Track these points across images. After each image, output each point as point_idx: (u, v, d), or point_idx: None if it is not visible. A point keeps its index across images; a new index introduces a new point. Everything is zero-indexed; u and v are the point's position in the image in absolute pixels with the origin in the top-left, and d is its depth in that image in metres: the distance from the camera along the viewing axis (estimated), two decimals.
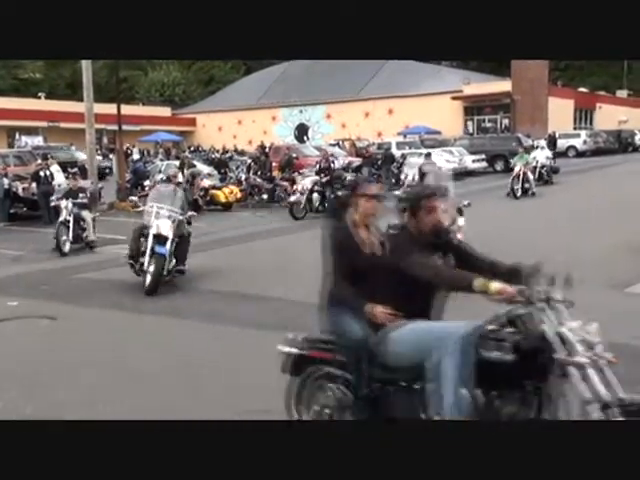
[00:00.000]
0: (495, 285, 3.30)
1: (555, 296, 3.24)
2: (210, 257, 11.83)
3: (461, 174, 28.32)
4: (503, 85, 45.02)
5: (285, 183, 20.93)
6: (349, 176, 20.96)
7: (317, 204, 18.11)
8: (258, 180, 21.81)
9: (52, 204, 14.80)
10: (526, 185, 19.83)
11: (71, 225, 13.18)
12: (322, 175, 18.92)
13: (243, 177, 22.48)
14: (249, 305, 8.28)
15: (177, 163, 25.36)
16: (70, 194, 13.72)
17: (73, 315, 8.15)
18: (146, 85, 64.42)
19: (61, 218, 13.32)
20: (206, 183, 20.28)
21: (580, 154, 37.12)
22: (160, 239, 9.11)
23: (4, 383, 5.79)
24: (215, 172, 24.36)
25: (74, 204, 13.45)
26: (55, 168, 20.14)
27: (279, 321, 6.97)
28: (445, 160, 29.13)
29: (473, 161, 29.16)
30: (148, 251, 9.06)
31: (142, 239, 9.41)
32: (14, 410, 5.16)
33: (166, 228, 9.23)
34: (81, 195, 13.71)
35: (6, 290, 9.74)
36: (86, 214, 13.58)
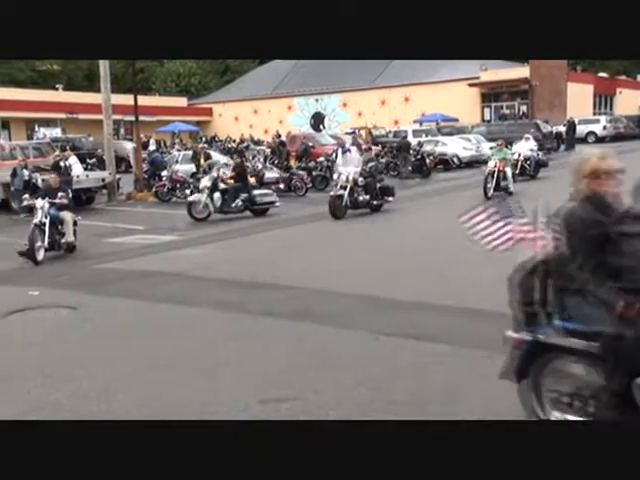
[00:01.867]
0: None
1: None
2: (230, 246, 12.12)
3: (478, 162, 28.25)
4: (521, 71, 44.51)
5: (302, 172, 21.06)
6: (268, 172, 20.08)
7: (219, 203, 15.28)
8: (275, 170, 21.90)
9: (24, 203, 12.30)
10: (503, 183, 17.17)
11: (47, 229, 11.34)
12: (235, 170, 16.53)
13: (260, 167, 22.53)
14: (265, 294, 8.35)
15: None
16: (48, 192, 11.97)
17: (94, 304, 8.27)
18: (162, 76, 64.64)
19: (36, 220, 11.37)
20: (223, 173, 20.31)
21: (600, 140, 36.74)
22: None
23: (28, 372, 5.92)
24: (232, 162, 24.40)
25: (51, 204, 11.61)
26: (73, 159, 20.43)
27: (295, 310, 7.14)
28: (462, 147, 28.98)
29: (491, 148, 28.86)
30: None
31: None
32: (38, 398, 5.29)
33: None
34: (60, 195, 11.83)
35: (28, 280, 9.91)
36: (65, 214, 11.78)
